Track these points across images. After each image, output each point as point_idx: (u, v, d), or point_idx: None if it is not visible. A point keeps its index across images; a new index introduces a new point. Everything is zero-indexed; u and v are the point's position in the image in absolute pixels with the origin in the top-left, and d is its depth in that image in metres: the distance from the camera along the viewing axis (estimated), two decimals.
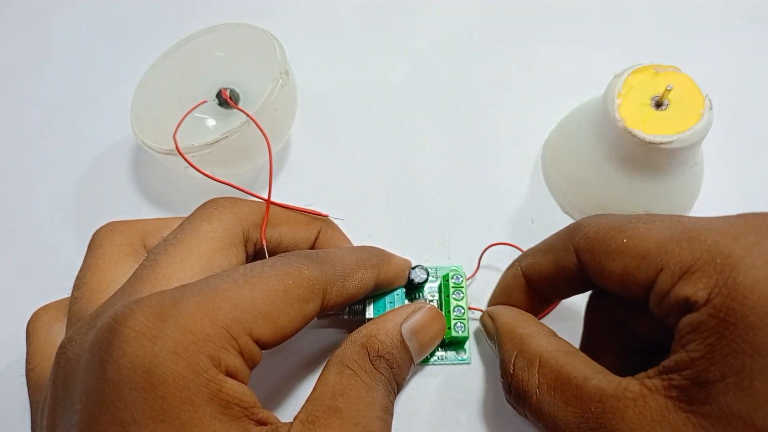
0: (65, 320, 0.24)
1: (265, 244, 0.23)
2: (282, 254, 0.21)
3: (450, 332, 0.27)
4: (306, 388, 0.28)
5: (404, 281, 0.28)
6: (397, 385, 0.23)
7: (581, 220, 0.23)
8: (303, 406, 0.20)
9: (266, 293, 0.19)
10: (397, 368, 0.23)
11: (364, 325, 0.25)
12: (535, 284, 0.26)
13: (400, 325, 0.24)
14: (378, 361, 0.22)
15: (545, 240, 0.25)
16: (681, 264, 0.18)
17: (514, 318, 0.25)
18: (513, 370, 0.22)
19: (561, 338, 0.23)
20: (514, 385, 0.22)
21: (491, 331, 0.26)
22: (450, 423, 0.28)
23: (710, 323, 0.17)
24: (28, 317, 0.25)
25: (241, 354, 0.18)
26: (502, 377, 0.23)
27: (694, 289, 0.17)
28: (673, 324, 0.18)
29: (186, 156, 0.28)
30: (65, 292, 0.27)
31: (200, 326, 0.17)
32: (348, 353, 0.22)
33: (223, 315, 0.17)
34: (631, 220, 0.21)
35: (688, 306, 0.18)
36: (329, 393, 0.20)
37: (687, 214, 0.33)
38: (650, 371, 0.18)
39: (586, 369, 0.20)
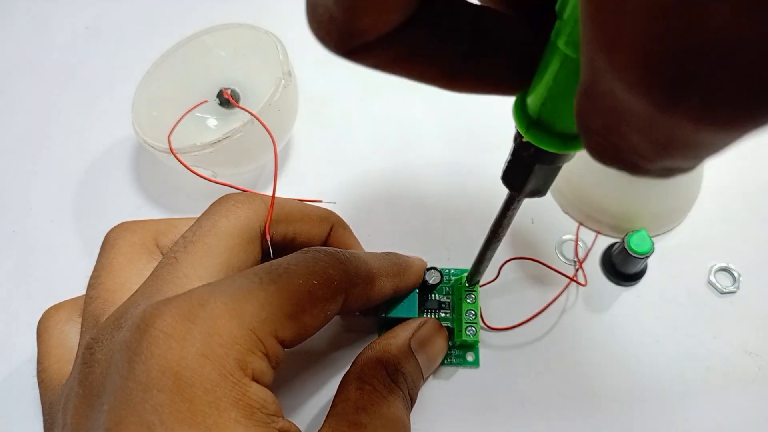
0: (78, 320, 0.24)
1: (269, 239, 0.23)
2: (307, 249, 0.21)
3: (461, 336, 0.27)
4: (310, 387, 0.28)
5: (419, 283, 0.28)
6: (411, 400, 0.24)
7: None
8: (326, 421, 0.21)
9: (292, 293, 0.19)
10: (411, 382, 0.24)
11: (375, 341, 0.25)
12: None
13: (409, 340, 0.25)
14: (396, 375, 0.23)
15: None
16: None
17: None
18: None
19: None
20: None
21: None
22: (450, 424, 0.28)
23: None
24: (28, 317, 0.25)
25: (267, 356, 0.18)
26: None
27: None
28: None
29: (189, 155, 0.28)
30: (66, 292, 0.27)
31: (228, 329, 0.17)
32: (366, 369, 0.23)
33: (249, 317, 0.18)
34: None
35: None
36: (351, 408, 0.21)
37: (687, 214, 0.33)
38: None
39: None
